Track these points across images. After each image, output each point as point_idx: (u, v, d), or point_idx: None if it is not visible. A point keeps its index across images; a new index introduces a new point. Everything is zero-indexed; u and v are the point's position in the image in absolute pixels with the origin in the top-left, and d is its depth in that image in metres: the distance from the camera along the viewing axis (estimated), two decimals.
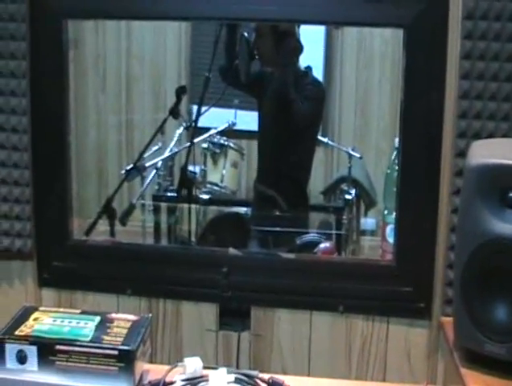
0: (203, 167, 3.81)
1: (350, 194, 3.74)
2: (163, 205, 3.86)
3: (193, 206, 3.62)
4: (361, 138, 4.28)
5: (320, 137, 3.79)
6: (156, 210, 3.84)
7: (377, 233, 3.78)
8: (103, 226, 3.05)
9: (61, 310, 1.84)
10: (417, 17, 2.08)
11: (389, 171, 2.44)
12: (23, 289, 2.43)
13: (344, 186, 3.83)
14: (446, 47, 2.10)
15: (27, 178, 2.35)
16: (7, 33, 2.28)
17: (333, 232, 3.53)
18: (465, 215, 1.83)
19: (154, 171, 3.74)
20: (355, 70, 4.24)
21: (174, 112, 3.29)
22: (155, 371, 1.77)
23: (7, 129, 2.33)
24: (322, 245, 2.73)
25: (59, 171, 2.35)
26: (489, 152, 1.82)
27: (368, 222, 3.97)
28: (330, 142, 3.99)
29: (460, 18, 2.08)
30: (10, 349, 1.66)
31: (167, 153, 3.77)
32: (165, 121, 3.37)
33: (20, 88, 2.31)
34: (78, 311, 1.83)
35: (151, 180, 3.73)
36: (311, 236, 3.16)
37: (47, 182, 2.35)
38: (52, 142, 2.33)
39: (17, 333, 1.68)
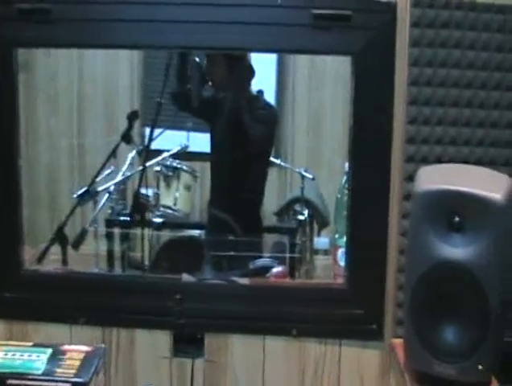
0: (156, 190, 3.81)
1: (303, 214, 3.76)
2: (116, 229, 3.84)
3: (146, 230, 3.62)
4: (313, 159, 4.32)
5: (272, 159, 3.82)
6: (109, 234, 3.81)
7: (331, 252, 3.80)
8: (55, 253, 3.02)
9: (12, 343, 1.83)
10: (365, 44, 2.11)
11: (339, 196, 2.46)
12: None
13: (297, 207, 3.85)
14: (393, 74, 2.14)
15: None
16: None
17: (287, 255, 3.54)
18: (414, 240, 1.87)
19: (107, 195, 3.72)
20: (307, 91, 4.27)
21: (126, 138, 3.29)
22: None
23: None
24: (275, 270, 2.74)
25: (10, 199, 2.31)
26: (435, 178, 1.86)
27: (321, 241, 3.99)
28: (283, 164, 4.02)
29: (407, 45, 2.12)
30: None
31: (119, 177, 3.75)
32: (117, 146, 3.37)
33: None
34: (30, 344, 1.82)
35: (104, 204, 3.71)
36: (264, 260, 3.18)
37: None
38: (2, 170, 2.31)
39: None
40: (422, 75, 2.12)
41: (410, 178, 2.12)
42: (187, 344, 2.34)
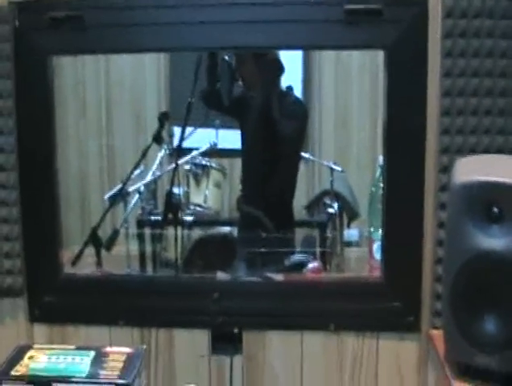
0: (186, 189, 3.82)
1: (333, 207, 3.76)
2: (148, 229, 3.85)
3: (178, 229, 3.62)
4: (342, 151, 4.30)
5: (301, 153, 3.81)
6: (141, 235, 3.83)
7: (361, 244, 3.80)
8: (87, 255, 3.03)
9: (56, 346, 1.84)
10: (397, 38, 2.11)
11: (373, 189, 2.46)
12: (15, 326, 2.42)
13: (326, 200, 3.84)
14: (427, 66, 2.13)
15: (16, 215, 2.35)
16: None
17: (318, 249, 3.54)
18: (452, 232, 1.86)
19: (137, 196, 3.74)
20: (334, 85, 4.26)
21: (157, 139, 3.30)
22: None
23: None
24: (310, 265, 2.74)
25: (48, 206, 2.34)
26: (472, 169, 1.85)
27: (351, 233, 3.99)
28: (311, 157, 4.01)
29: (440, 37, 2.11)
30: None
31: (149, 177, 3.76)
32: (148, 147, 3.38)
33: (7, 126, 2.32)
34: (73, 347, 1.83)
35: (134, 205, 3.73)
36: (299, 256, 3.17)
37: (36, 217, 2.35)
38: (41, 174, 2.34)
39: (13, 373, 1.68)
40: (455, 66, 2.10)
41: (445, 169, 2.12)
42: (225, 342, 2.35)
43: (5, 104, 2.31)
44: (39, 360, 1.74)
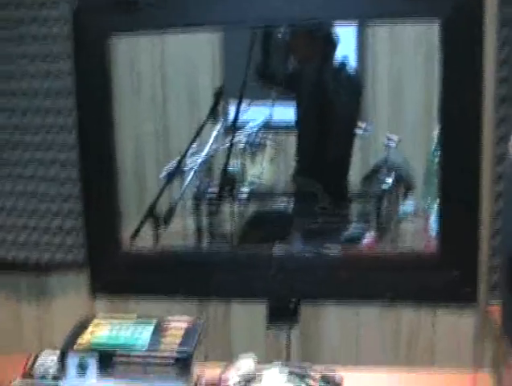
0: (241, 164, 3.83)
1: (389, 180, 3.74)
2: (204, 204, 3.87)
3: (235, 203, 3.64)
4: (396, 123, 4.26)
5: (357, 125, 3.78)
6: (197, 210, 3.85)
7: (417, 216, 3.77)
8: (144, 231, 3.08)
9: (118, 316, 1.89)
10: (453, 8, 2.09)
11: (430, 162, 2.44)
12: (78, 301, 2.49)
13: (382, 172, 3.82)
14: (483, 37, 2.10)
15: (78, 192, 2.42)
16: (52, 53, 2.35)
17: (374, 222, 3.53)
18: (508, 204, 1.85)
19: (193, 172, 3.76)
20: (388, 56, 4.21)
21: (213, 114, 3.32)
22: (209, 369, 1.82)
23: (56, 145, 2.41)
24: (365, 238, 2.74)
25: (108, 183, 2.44)
26: None
27: (407, 205, 3.96)
28: (367, 128, 3.98)
29: (497, 5, 2.08)
30: (72, 359, 1.72)
31: (204, 153, 3.78)
32: (204, 123, 3.39)
33: (66, 107, 2.39)
34: (134, 316, 1.88)
35: (190, 181, 3.75)
36: (354, 229, 3.17)
37: (96, 194, 2.42)
38: (99, 158, 2.42)
39: (77, 343, 1.73)
40: None
41: (503, 140, 2.10)
42: (282, 313, 2.37)
43: (65, 84, 2.36)
44: (101, 331, 1.79)
